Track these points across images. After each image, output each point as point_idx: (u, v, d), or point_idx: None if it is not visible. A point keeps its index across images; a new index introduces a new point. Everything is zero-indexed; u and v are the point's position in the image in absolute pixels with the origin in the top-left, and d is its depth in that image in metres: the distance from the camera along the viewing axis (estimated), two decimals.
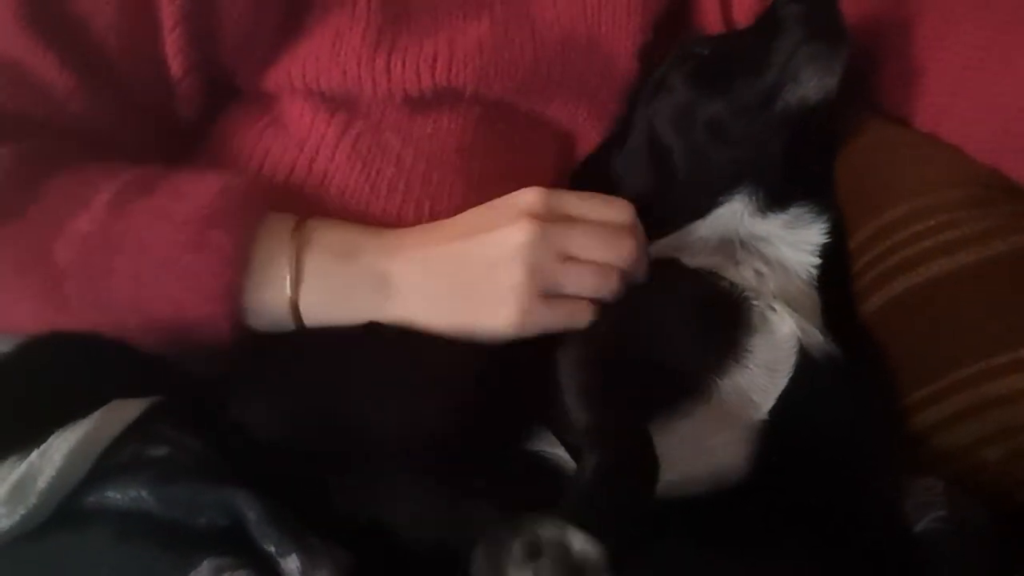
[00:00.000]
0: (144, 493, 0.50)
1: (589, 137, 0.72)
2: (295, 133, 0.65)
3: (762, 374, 0.57)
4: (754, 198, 0.65)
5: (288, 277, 0.58)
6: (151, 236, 0.56)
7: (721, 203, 0.66)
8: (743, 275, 0.63)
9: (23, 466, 0.48)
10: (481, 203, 0.62)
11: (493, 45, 0.66)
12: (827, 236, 0.66)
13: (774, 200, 0.65)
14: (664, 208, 0.68)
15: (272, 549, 0.48)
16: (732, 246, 0.65)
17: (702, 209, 0.66)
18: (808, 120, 0.63)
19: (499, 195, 0.62)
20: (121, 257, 0.56)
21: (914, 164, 0.67)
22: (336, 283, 0.59)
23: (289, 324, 0.59)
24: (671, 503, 0.55)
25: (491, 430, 0.57)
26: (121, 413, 0.53)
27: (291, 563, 0.48)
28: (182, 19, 0.59)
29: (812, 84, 0.62)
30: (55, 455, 0.48)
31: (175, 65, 0.61)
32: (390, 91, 0.64)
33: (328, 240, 0.59)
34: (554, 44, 0.68)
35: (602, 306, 0.60)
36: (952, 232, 0.62)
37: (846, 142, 0.70)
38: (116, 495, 0.50)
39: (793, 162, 0.65)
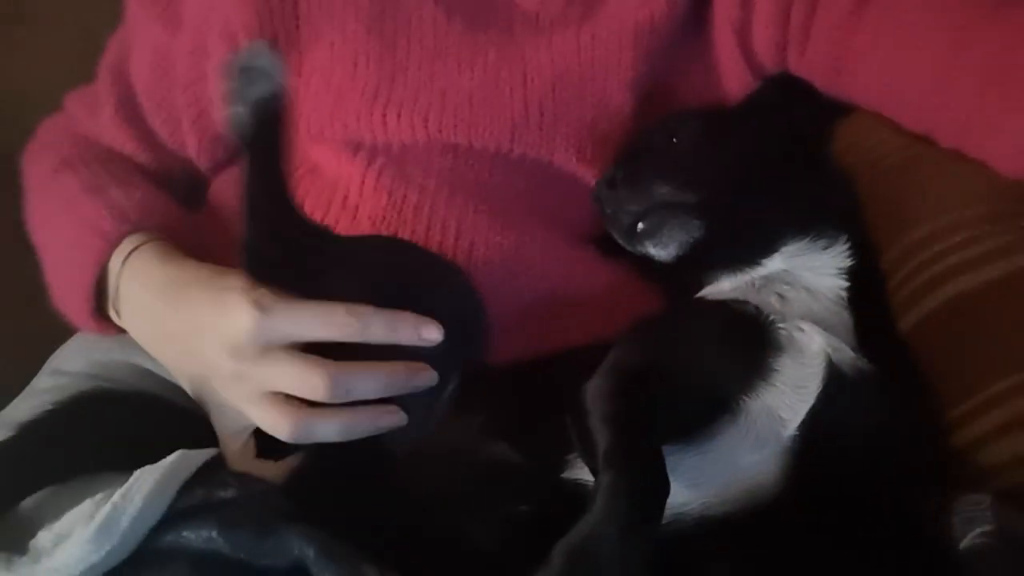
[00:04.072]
0: (215, 534, 0.55)
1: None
2: (328, 176, 0.72)
3: (790, 392, 0.58)
4: (736, 262, 0.66)
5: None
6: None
7: (710, 281, 0.67)
8: (766, 300, 0.64)
9: (107, 507, 0.54)
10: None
11: (482, 97, 0.71)
12: (850, 258, 0.66)
13: (763, 247, 0.66)
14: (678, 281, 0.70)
15: None
16: (750, 281, 0.66)
17: (702, 284, 0.68)
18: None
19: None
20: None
21: (937, 182, 0.67)
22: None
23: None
24: (708, 522, 0.57)
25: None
26: (191, 459, 0.59)
27: None
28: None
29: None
30: (136, 496, 0.54)
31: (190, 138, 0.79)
32: (388, 141, 0.71)
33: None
34: (544, 85, 0.72)
35: (631, 336, 0.62)
36: (975, 248, 0.62)
37: (872, 164, 0.72)
38: (191, 535, 0.55)
39: (762, 213, 0.67)
